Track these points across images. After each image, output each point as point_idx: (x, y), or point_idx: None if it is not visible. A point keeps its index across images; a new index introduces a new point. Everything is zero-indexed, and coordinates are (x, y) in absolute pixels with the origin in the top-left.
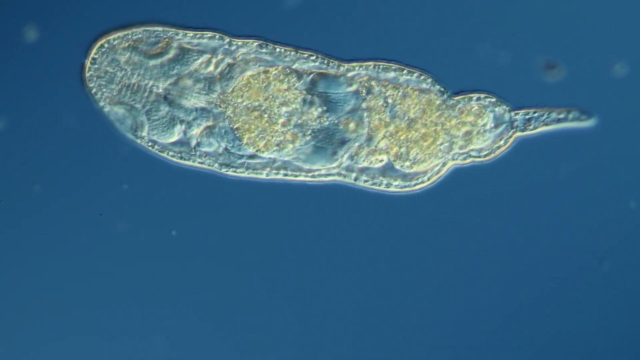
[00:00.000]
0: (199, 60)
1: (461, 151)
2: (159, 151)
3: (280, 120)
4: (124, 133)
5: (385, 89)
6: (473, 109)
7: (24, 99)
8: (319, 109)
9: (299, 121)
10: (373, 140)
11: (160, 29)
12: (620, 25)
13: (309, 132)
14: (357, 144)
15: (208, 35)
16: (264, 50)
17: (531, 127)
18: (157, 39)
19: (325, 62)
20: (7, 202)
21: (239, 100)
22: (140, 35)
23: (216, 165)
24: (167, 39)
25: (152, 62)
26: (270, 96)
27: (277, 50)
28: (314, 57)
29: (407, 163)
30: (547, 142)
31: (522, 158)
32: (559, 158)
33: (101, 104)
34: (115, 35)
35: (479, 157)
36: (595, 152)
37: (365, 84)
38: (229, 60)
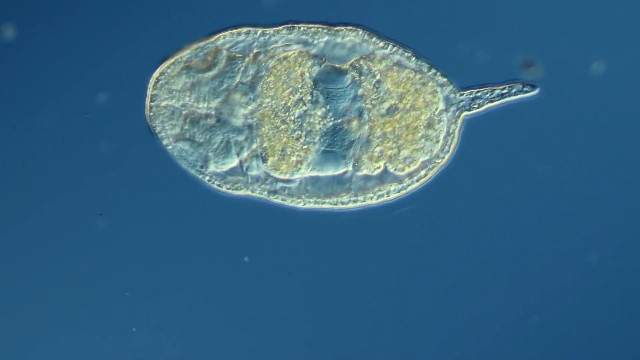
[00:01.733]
0: (242, 67)
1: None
2: (218, 185)
3: (296, 133)
4: (187, 169)
5: (372, 64)
6: (430, 84)
7: (91, 135)
8: (323, 109)
9: (309, 127)
10: (371, 143)
11: (203, 42)
12: None
13: (317, 137)
14: (359, 146)
15: (244, 31)
16: (292, 35)
17: (476, 105)
18: (205, 50)
19: (333, 32)
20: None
21: (267, 100)
22: (189, 55)
23: (265, 193)
24: (214, 48)
25: (205, 77)
26: (290, 88)
27: (304, 29)
28: (325, 31)
29: (400, 165)
30: (494, 118)
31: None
32: (511, 132)
33: (164, 142)
34: (167, 64)
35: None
36: (544, 121)
37: (357, 65)
38: (262, 56)
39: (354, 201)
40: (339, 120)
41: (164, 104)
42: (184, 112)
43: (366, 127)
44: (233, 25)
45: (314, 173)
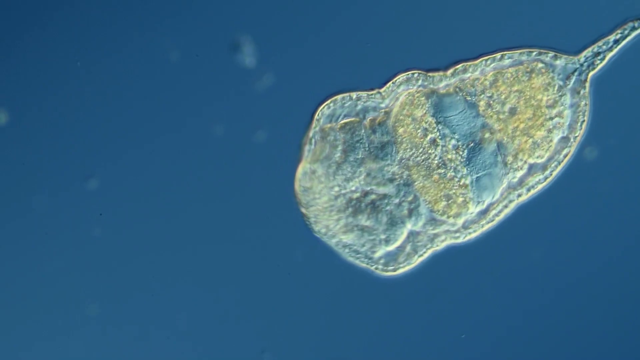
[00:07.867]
0: (361, 132)
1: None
2: (392, 272)
3: (448, 174)
4: (354, 263)
5: (480, 85)
6: (539, 67)
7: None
8: (453, 140)
9: (452, 164)
10: (507, 146)
11: (311, 132)
12: None
13: (464, 169)
14: (500, 155)
15: (338, 100)
16: (396, 88)
17: (599, 60)
18: (316, 137)
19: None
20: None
21: (407, 153)
22: (309, 151)
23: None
24: (321, 129)
25: (337, 158)
26: (420, 130)
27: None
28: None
29: (539, 152)
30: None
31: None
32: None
33: (333, 240)
34: (299, 174)
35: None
36: None
37: (458, 88)
38: (377, 117)
39: (506, 206)
40: (472, 144)
41: (314, 205)
42: (341, 201)
43: (498, 135)
44: (321, 100)
45: (480, 207)
